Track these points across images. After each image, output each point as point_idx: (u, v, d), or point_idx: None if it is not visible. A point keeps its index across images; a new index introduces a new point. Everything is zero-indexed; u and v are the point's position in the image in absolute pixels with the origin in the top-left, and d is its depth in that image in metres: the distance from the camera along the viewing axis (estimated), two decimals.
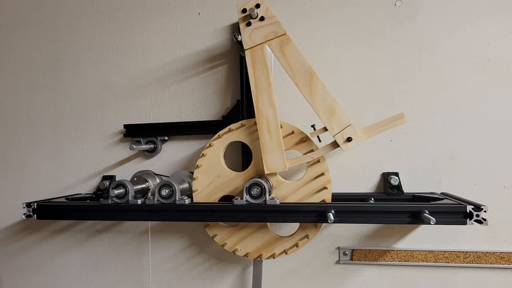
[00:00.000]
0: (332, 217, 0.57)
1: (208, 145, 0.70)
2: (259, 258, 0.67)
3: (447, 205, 0.57)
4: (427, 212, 0.56)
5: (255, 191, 0.63)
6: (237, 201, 0.63)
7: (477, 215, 0.56)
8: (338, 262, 0.77)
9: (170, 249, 0.84)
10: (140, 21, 0.87)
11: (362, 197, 0.73)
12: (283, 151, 0.63)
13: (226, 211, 0.63)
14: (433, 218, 0.54)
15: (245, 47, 0.65)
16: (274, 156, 0.64)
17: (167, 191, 0.66)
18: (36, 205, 0.70)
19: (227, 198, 0.69)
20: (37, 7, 0.92)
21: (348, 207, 0.59)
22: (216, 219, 0.64)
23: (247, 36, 0.65)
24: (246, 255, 0.69)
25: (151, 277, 0.85)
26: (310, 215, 0.60)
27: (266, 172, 0.64)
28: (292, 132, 0.66)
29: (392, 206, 0.58)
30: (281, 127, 0.65)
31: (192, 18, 0.85)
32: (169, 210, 0.65)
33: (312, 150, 0.65)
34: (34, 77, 0.92)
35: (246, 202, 0.63)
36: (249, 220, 0.64)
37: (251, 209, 0.62)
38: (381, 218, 0.58)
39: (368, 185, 0.77)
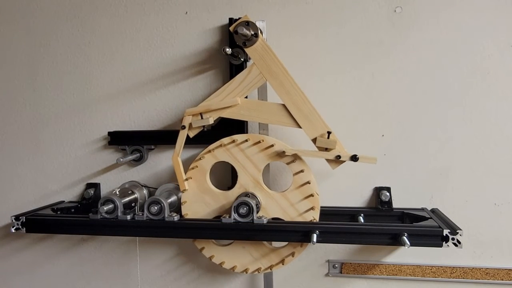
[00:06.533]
0: (315, 239, 0.74)
1: (192, 166, 0.86)
2: (245, 272, 0.85)
3: (425, 228, 0.74)
4: (405, 235, 0.73)
5: (242, 210, 0.79)
6: (225, 220, 0.80)
7: (453, 239, 0.73)
8: (327, 274, 0.95)
9: (159, 256, 1.02)
10: (122, 17, 0.99)
11: (352, 213, 0.89)
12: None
13: (214, 229, 0.80)
14: (408, 243, 0.71)
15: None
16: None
17: (156, 208, 0.82)
18: (25, 218, 0.87)
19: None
20: (11, 1, 1.03)
21: (332, 228, 0.76)
22: (205, 236, 0.82)
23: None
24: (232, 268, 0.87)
25: (140, 285, 1.04)
26: (296, 235, 0.77)
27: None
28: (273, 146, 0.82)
29: (374, 228, 0.75)
30: (262, 141, 0.82)
31: (179, 17, 0.97)
32: (159, 227, 0.81)
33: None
34: (8, 76, 1.05)
35: (234, 221, 0.79)
36: (237, 238, 0.81)
37: (239, 228, 0.79)
38: (363, 239, 0.76)
39: (361, 199, 0.94)
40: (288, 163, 0.82)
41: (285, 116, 0.82)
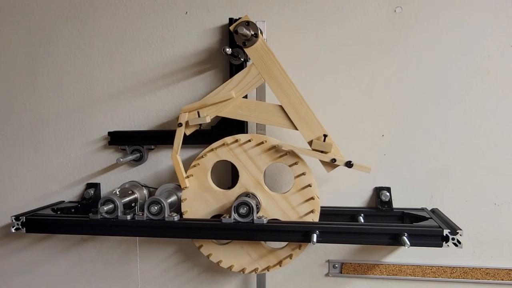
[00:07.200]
0: (315, 239, 0.74)
1: (194, 164, 0.86)
2: (241, 272, 0.86)
3: (425, 228, 0.74)
4: (405, 235, 0.73)
5: (243, 210, 0.79)
6: (225, 220, 0.80)
7: (453, 239, 0.73)
8: (327, 274, 0.95)
9: (159, 256, 1.02)
10: (122, 17, 0.99)
11: (352, 213, 0.90)
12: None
13: (214, 229, 0.80)
14: (408, 243, 0.71)
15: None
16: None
17: (156, 207, 0.82)
18: (25, 218, 0.87)
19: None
20: (11, 1, 1.04)
21: (332, 228, 0.76)
22: (205, 236, 0.82)
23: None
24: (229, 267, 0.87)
25: (140, 284, 1.04)
26: (296, 235, 0.77)
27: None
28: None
29: (374, 228, 0.75)
30: (265, 142, 0.82)
31: (179, 17, 0.97)
32: (159, 227, 0.82)
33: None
34: (8, 76, 1.05)
35: (234, 221, 0.79)
36: (237, 238, 0.81)
37: (239, 228, 0.79)
38: (363, 239, 0.76)
39: (361, 199, 0.94)
40: (290, 165, 0.82)
41: (282, 118, 0.82)
